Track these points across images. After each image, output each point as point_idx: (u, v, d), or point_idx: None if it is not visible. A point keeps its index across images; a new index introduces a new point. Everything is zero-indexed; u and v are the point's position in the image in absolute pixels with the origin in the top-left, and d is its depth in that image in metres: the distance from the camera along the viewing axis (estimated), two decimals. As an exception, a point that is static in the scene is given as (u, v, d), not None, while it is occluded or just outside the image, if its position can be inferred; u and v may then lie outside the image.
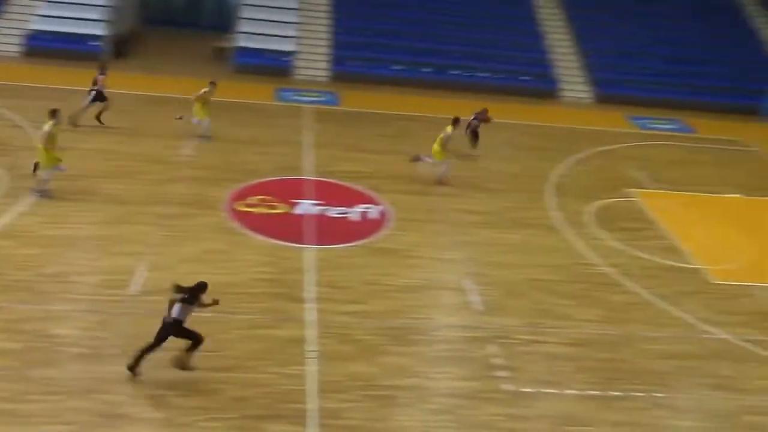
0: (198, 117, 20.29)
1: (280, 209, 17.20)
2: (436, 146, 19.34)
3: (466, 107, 26.04)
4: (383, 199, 18.23)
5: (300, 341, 12.44)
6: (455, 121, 19.64)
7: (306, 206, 17.40)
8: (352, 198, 18.14)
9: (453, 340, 13.17)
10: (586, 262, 16.24)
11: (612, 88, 28.96)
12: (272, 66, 27.82)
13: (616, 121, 26.65)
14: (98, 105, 20.39)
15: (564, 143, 23.44)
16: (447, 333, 13.38)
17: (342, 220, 17.09)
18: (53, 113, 16.40)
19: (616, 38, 30.83)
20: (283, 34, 28.88)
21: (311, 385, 11.44)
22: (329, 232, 16.40)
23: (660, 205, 19.33)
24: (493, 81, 28.49)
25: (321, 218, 17.00)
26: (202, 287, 10.95)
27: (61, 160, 16.34)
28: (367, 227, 16.84)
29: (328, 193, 18.16)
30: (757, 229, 18.77)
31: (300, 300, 13.64)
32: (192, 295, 10.85)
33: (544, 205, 18.95)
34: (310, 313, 13.26)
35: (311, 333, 12.68)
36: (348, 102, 25.59)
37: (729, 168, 23.18)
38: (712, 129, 26.66)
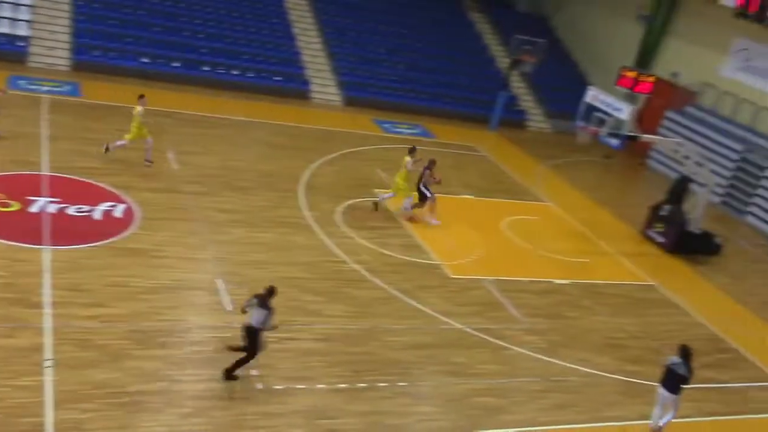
0: (140, 136, 19.09)
1: (13, 207, 15.79)
2: (399, 180, 19.31)
3: (221, 105, 25.90)
4: (130, 197, 17.44)
5: (36, 350, 11.57)
6: (411, 150, 19.65)
7: (43, 204, 16.14)
8: (94, 195, 17.14)
9: (204, 342, 12.98)
10: (336, 260, 16.82)
11: (359, 91, 30.12)
12: (3, 51, 25.38)
13: (363, 123, 27.82)
14: None
15: (316, 144, 24.04)
16: (197, 334, 13.16)
17: (84, 219, 16.08)
18: None
19: (362, 44, 32.16)
20: (15, 16, 26.45)
21: (48, 396, 10.68)
22: (69, 231, 15.36)
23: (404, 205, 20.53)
24: (247, 80, 28.43)
25: (60, 217, 15.86)
26: (273, 291, 11.86)
27: None
28: (112, 226, 16.02)
29: (68, 190, 16.99)
30: (485, 227, 20.65)
31: (36, 305, 12.67)
32: (265, 299, 11.72)
33: (297, 204, 19.30)
34: (47, 319, 12.36)
35: (48, 341, 11.84)
36: (91, 93, 24.09)
37: (464, 171, 25.20)
38: (449, 135, 28.84)
